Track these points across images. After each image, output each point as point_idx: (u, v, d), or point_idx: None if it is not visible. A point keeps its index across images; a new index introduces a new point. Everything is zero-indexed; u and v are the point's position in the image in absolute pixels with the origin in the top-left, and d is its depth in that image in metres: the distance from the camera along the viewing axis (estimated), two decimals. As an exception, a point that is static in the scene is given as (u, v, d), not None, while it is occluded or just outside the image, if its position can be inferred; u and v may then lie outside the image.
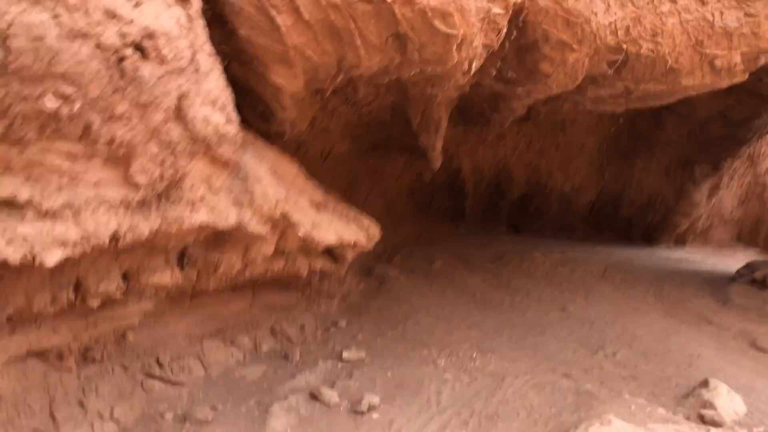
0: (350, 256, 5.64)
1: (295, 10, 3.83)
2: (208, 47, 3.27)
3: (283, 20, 3.84)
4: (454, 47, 4.36)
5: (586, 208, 15.81)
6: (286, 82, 4.25)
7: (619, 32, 4.89)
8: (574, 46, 4.88)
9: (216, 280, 4.68)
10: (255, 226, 4.19)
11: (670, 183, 14.47)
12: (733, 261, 16.33)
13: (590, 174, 13.64)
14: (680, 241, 18.15)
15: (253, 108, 4.60)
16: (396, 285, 8.68)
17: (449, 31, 4.24)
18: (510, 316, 7.91)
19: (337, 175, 8.85)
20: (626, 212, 15.92)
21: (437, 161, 7.35)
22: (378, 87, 5.97)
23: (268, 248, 4.56)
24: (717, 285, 9.75)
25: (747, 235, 18.88)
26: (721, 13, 5.06)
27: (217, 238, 4.26)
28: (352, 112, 6.87)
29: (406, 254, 10.81)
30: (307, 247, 4.85)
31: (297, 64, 4.13)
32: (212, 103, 3.14)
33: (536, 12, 4.67)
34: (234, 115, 3.41)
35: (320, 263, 5.43)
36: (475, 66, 4.85)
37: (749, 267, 10.12)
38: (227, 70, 4.55)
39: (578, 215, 16.02)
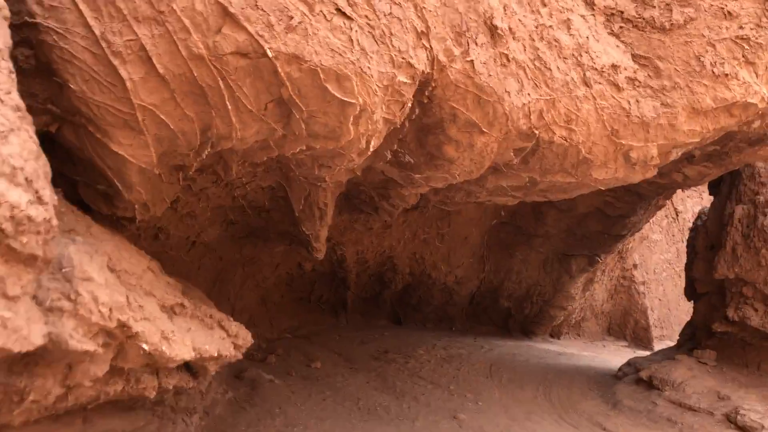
0: (213, 368, 4.58)
1: (146, 61, 2.96)
2: (13, 100, 2.34)
3: (129, 72, 2.95)
4: (351, 119, 3.66)
5: (467, 299, 15.56)
6: (134, 153, 3.30)
7: (532, 116, 4.47)
8: (484, 129, 4.38)
9: (25, 412, 3.46)
10: (79, 341, 3.11)
11: (548, 275, 14.59)
12: (607, 354, 16.65)
13: (472, 265, 13.41)
14: (555, 333, 18.37)
15: (92, 185, 3.60)
16: (271, 392, 7.56)
17: (345, 98, 3.53)
18: (399, 427, 7.04)
19: (205, 265, 7.77)
20: (505, 304, 15.83)
21: (321, 252, 6.55)
22: (255, 166, 5.15)
23: (100, 368, 3.46)
24: (604, 384, 9.50)
25: (616, 327, 19.53)
26: (637, 102, 4.84)
27: (25, 358, 3.13)
28: (224, 194, 5.96)
29: (282, 353, 9.71)
30: (155, 363, 3.78)
31: (148, 131, 3.22)
32: (9, 175, 2.18)
33: (445, 86, 4.12)
34: (48, 194, 2.44)
35: (174, 381, 4.33)
36: (373, 144, 4.17)
37: (631, 365, 10.01)
38: (58, 135, 3.55)
39: (459, 306, 15.71)
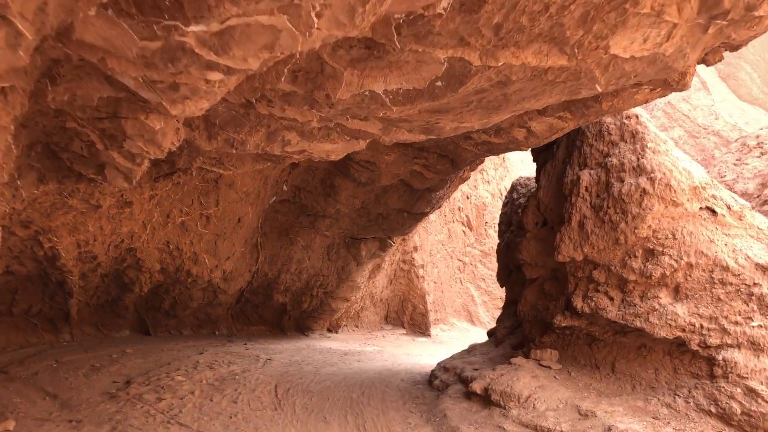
0: None
1: None
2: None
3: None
4: None
5: (235, 298, 12.71)
6: None
7: None
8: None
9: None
10: None
11: (333, 263, 12.42)
12: (391, 345, 15.18)
13: (244, 256, 10.61)
14: (334, 326, 16.42)
15: None
16: None
17: None
18: None
19: None
20: (281, 299, 13.36)
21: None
22: None
23: None
24: (424, 401, 7.53)
25: (394, 314, 18.26)
26: None
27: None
28: None
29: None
30: None
31: None
32: None
33: None
34: None
35: None
36: None
37: (448, 370, 8.22)
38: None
39: (225, 306, 12.81)
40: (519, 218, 8.13)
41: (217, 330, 13.82)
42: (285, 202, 10.28)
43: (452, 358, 8.88)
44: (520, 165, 23.85)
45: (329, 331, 16.14)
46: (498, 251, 9.20)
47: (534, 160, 8.13)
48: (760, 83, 31.59)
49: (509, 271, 8.81)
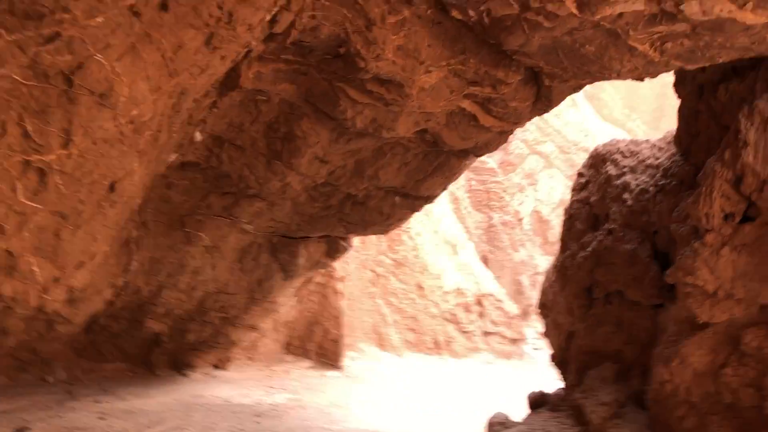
0: None
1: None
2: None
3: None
4: None
5: (83, 327, 7.96)
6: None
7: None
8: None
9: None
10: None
11: (246, 276, 8.15)
12: (308, 391, 10.91)
13: (107, 261, 6.04)
14: (223, 362, 11.87)
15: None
16: None
17: None
18: None
19: None
20: (155, 328, 8.85)
21: None
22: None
23: None
24: None
25: (297, 341, 14.04)
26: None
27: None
28: None
29: None
30: None
31: None
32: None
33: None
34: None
35: None
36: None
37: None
38: None
39: (65, 340, 8.05)
40: (635, 208, 4.54)
41: (51, 374, 8.90)
42: (188, 169, 5.92)
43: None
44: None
45: (216, 368, 11.58)
46: (560, 269, 5.53)
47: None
48: (621, 105, 32.91)
49: (589, 301, 5.20)
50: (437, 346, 19.04)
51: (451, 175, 6.12)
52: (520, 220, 28.80)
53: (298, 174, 5.60)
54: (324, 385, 12.24)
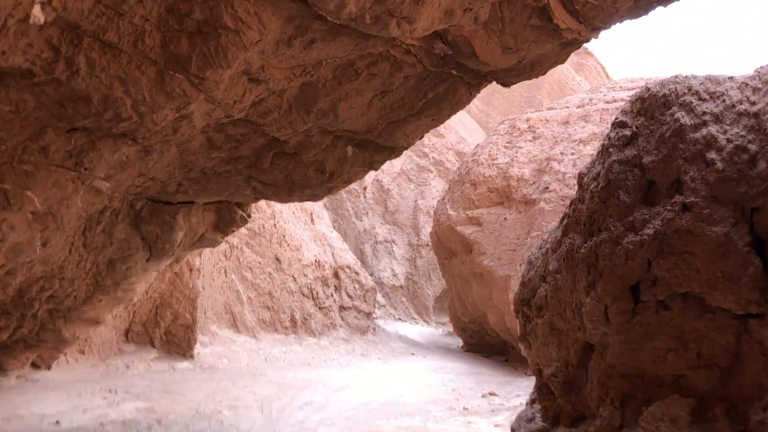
0: None
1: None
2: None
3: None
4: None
5: None
6: None
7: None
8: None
9: None
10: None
11: (91, 254, 5.85)
12: (145, 383, 8.49)
13: None
14: (46, 359, 9.12)
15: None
16: None
17: None
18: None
19: None
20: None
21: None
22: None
23: None
24: None
25: (140, 327, 11.55)
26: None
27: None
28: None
29: None
30: None
31: None
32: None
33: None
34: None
35: None
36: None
37: None
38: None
39: None
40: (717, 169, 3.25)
41: None
42: (12, 82, 3.59)
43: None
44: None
45: (35, 366, 8.85)
46: (578, 256, 4.08)
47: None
48: (479, 103, 34.00)
49: (633, 305, 3.82)
50: (294, 325, 17.36)
51: (446, 113, 4.36)
52: (365, 188, 27.94)
53: (209, 100, 3.47)
54: (179, 384, 10.03)
